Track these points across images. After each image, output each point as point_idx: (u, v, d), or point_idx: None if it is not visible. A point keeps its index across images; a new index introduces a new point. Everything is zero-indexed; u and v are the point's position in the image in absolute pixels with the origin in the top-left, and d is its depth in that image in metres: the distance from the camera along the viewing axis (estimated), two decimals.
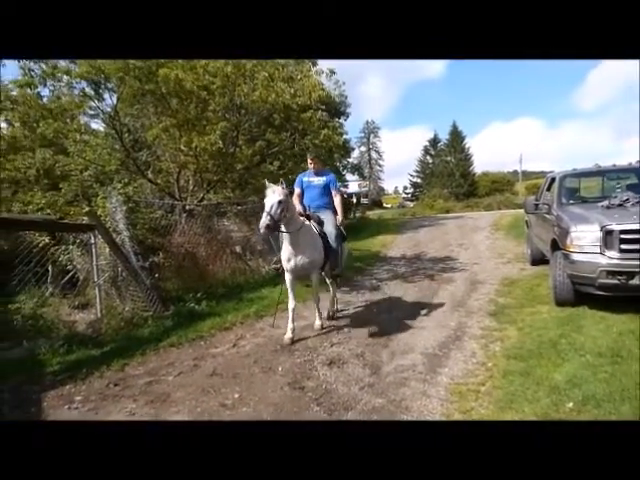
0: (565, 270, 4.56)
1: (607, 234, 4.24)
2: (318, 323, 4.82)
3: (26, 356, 3.92)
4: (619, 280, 4.08)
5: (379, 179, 56.71)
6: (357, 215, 24.89)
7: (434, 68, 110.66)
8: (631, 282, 4.03)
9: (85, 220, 5.46)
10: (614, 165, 6.55)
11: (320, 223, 4.67)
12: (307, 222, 4.48)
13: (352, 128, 28.24)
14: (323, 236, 4.56)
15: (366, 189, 43.90)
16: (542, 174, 34.46)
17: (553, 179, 6.53)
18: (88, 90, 7.80)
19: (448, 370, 3.50)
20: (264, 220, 3.84)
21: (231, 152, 9.08)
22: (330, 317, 5.26)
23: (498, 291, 6.04)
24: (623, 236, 4.15)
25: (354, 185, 32.38)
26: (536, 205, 6.13)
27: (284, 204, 3.96)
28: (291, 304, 4.50)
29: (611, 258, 4.18)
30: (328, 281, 5.22)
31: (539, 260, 7.05)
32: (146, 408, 3.09)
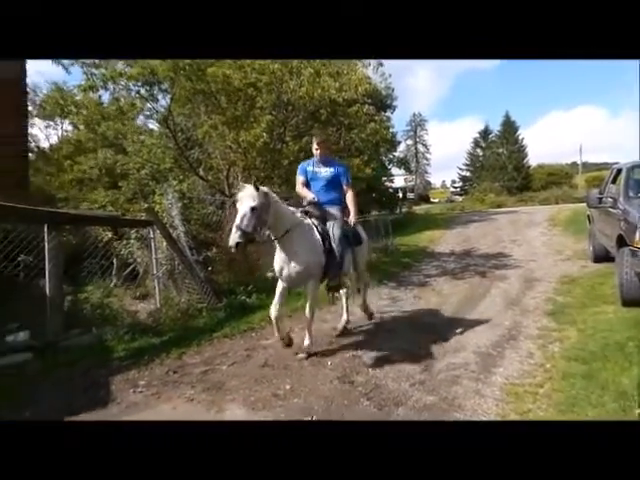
0: (633, 268, 4.26)
1: None
2: (307, 343, 3.90)
3: (95, 342, 4.20)
4: None
5: (426, 173, 55.41)
6: (403, 210, 24.43)
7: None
8: None
9: (144, 216, 5.78)
10: None
11: (324, 221, 3.91)
12: (305, 220, 3.79)
13: (399, 121, 27.78)
14: (326, 238, 3.81)
15: (412, 183, 43.06)
16: (604, 166, 32.20)
17: (619, 170, 6.09)
18: (143, 92, 8.21)
19: (503, 370, 3.38)
20: (233, 237, 3.18)
21: (278, 148, 9.23)
22: (340, 333, 4.52)
23: (556, 289, 5.75)
24: None
25: (400, 179, 31.84)
26: (600, 199, 5.75)
27: (259, 210, 3.26)
28: (274, 313, 3.73)
29: None
30: (342, 291, 4.51)
31: (603, 257, 6.61)
32: (203, 395, 3.24)
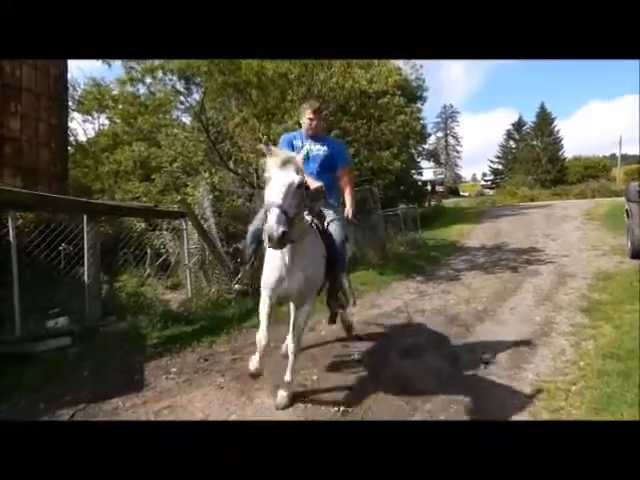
0: None
1: None
2: (288, 379, 2.94)
3: (130, 329, 4.36)
4: None
5: (456, 166, 54.10)
6: (432, 204, 24.01)
7: None
8: None
9: (177, 208, 5.94)
10: None
11: (322, 218, 3.01)
12: (312, 220, 2.87)
13: (430, 113, 27.29)
14: (326, 239, 2.91)
15: (442, 176, 42.26)
16: None
17: None
18: (179, 86, 8.41)
19: (534, 367, 3.32)
20: (276, 222, 2.13)
21: None
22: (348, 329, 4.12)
23: (591, 286, 5.56)
24: None
25: (429, 172, 31.32)
26: None
27: (303, 190, 2.41)
28: (264, 339, 2.81)
29: None
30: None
31: None
32: (233, 382, 3.33)
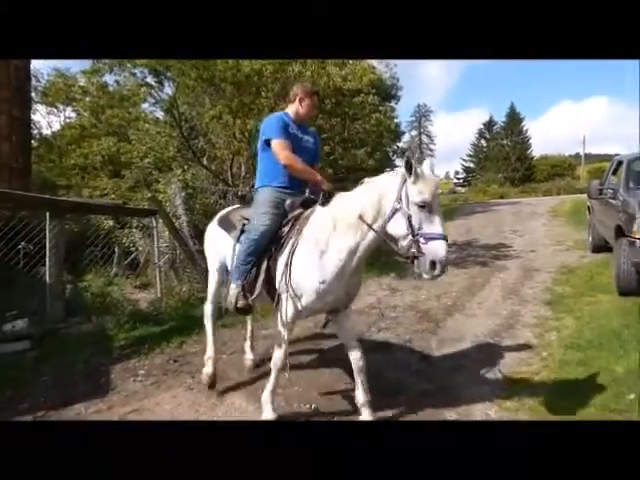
0: (630, 258, 4.29)
1: None
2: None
3: (95, 331, 4.21)
4: None
5: None
6: None
7: None
8: None
9: (147, 205, 5.81)
10: None
11: None
12: None
13: (405, 112, 27.53)
14: None
15: None
16: (606, 157, 31.89)
17: (620, 162, 6.08)
18: (150, 79, 8.19)
19: (500, 358, 3.42)
20: (445, 255, 2.10)
21: None
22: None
23: (555, 279, 5.77)
24: None
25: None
26: (600, 190, 5.75)
27: None
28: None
29: None
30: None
31: (601, 247, 6.63)
32: (203, 384, 3.28)
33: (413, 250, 2.12)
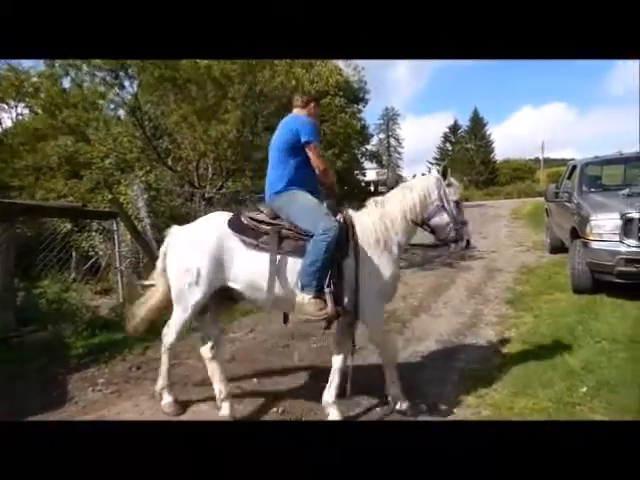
0: (584, 258, 4.52)
1: (627, 222, 4.21)
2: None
3: (51, 339, 4.01)
4: (637, 268, 4.05)
5: (398, 167, 55.84)
6: None
7: None
8: None
9: (108, 207, 5.60)
10: (638, 153, 6.36)
11: None
12: None
13: (374, 115, 27.88)
14: None
15: (384, 177, 43.43)
16: (564, 162, 33.56)
17: (574, 167, 6.39)
18: (109, 78, 7.92)
19: (463, 356, 3.51)
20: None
21: (250, 140, 9.13)
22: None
23: (515, 279, 5.99)
24: None
25: (372, 173, 32.08)
26: (556, 193, 6.04)
27: None
28: None
29: (630, 246, 4.16)
30: None
31: (558, 248, 6.95)
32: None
33: (452, 235, 2.66)
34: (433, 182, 2.68)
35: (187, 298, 2.62)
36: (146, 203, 5.79)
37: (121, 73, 8.02)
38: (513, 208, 16.85)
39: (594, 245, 4.38)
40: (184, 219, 7.36)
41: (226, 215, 2.76)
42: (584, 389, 2.64)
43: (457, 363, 3.39)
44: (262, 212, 2.69)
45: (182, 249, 2.69)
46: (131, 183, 6.08)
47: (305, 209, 2.56)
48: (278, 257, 2.48)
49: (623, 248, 4.16)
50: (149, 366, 3.67)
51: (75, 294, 4.81)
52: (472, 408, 2.66)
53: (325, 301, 2.41)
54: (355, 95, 18.82)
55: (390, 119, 52.91)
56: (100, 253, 5.90)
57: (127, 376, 3.48)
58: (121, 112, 9.59)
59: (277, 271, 2.48)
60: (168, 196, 7.38)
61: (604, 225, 4.35)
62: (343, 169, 13.62)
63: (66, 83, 8.42)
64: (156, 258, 5.23)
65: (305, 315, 2.47)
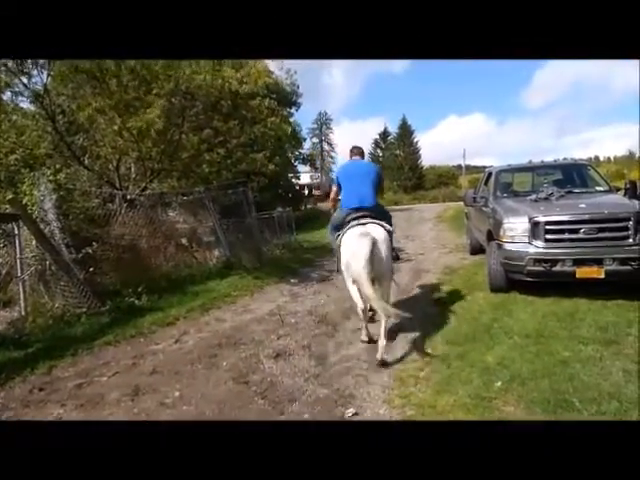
0: (499, 259, 4.84)
1: (534, 225, 4.55)
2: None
3: None
4: (544, 267, 4.40)
5: (331, 171, 56.86)
6: (308, 207, 24.92)
7: (400, 61, 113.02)
8: (554, 269, 4.36)
9: (8, 209, 4.98)
10: (542, 162, 7.00)
11: None
12: None
13: (308, 119, 28.24)
14: None
15: (318, 180, 43.96)
16: (483, 169, 36.45)
17: (490, 174, 6.88)
18: (11, 65, 7.08)
19: (390, 357, 3.57)
20: None
21: (176, 139, 8.70)
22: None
23: (440, 279, 6.28)
24: (548, 227, 4.48)
25: (306, 176, 32.33)
26: (474, 198, 6.44)
27: None
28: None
29: (537, 247, 4.50)
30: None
31: (478, 250, 7.39)
32: (75, 412, 2.89)
33: None
34: None
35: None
36: (55, 204, 5.24)
37: (28, 61, 7.22)
38: (437, 212, 17.88)
39: (507, 246, 4.70)
40: (103, 221, 6.80)
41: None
42: (499, 384, 2.79)
43: (385, 365, 3.43)
44: None
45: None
46: (37, 182, 5.47)
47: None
48: None
49: (532, 249, 4.50)
50: (54, 386, 3.32)
51: None
52: (398, 409, 2.70)
53: None
54: (288, 99, 18.83)
55: (323, 123, 53.78)
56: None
57: (27, 399, 3.11)
58: (29, 104, 8.66)
59: None
60: (83, 197, 6.75)
61: (515, 228, 4.68)
62: (275, 172, 13.54)
63: None
64: (66, 264, 4.80)
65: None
